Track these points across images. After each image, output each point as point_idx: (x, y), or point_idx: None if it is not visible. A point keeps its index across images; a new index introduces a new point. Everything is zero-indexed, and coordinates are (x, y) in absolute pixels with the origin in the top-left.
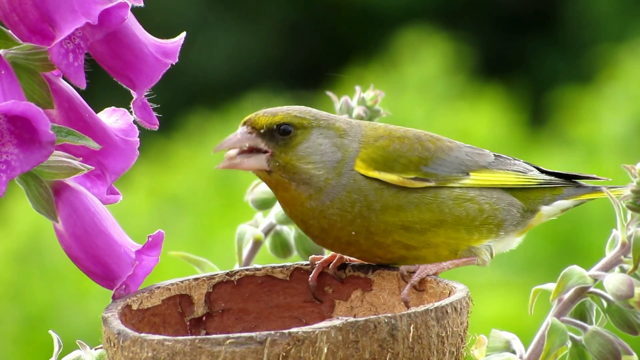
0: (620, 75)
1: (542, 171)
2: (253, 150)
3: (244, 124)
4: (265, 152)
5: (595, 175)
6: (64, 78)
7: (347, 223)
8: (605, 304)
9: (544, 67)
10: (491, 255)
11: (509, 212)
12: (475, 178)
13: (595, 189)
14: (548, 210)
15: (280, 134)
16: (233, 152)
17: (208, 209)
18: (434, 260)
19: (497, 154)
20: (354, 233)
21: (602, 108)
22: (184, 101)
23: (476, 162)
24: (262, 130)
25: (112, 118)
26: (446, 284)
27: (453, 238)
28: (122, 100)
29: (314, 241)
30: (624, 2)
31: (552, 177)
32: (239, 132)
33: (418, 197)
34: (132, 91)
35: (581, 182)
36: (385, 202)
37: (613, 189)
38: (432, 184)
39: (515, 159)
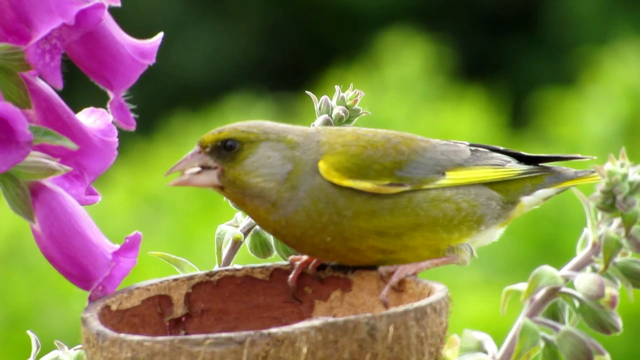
0: (602, 77)
1: (521, 158)
2: (204, 168)
3: (197, 144)
4: (216, 168)
5: (579, 155)
6: (41, 78)
7: (318, 231)
8: (577, 303)
9: (525, 68)
10: (471, 254)
11: (489, 207)
12: (452, 177)
13: (577, 175)
14: (529, 200)
15: (226, 150)
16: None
17: (188, 209)
18: (415, 261)
19: (474, 147)
20: (329, 239)
21: (584, 110)
22: (165, 102)
23: (452, 160)
24: (208, 149)
25: (90, 118)
26: (425, 285)
27: (432, 239)
28: (101, 100)
29: (295, 249)
30: (605, 4)
31: (531, 166)
32: (190, 153)
33: (392, 202)
34: (109, 92)
35: (560, 167)
36: (356, 208)
37: (593, 175)
38: (407, 188)
39: (492, 151)
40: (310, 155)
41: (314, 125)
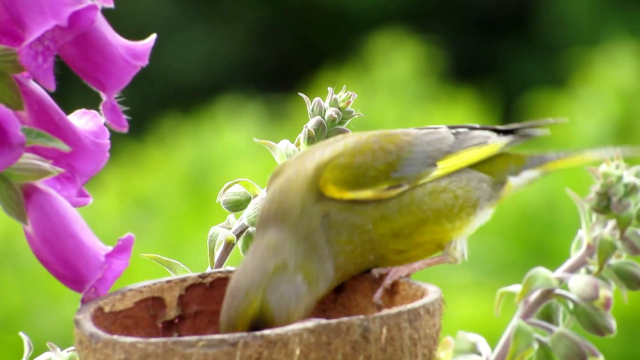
0: (594, 78)
1: (499, 131)
2: None
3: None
4: None
5: (551, 119)
6: (33, 80)
7: (358, 256)
8: (571, 305)
9: (516, 70)
10: (462, 253)
11: (481, 189)
12: (443, 166)
13: (559, 157)
14: (516, 181)
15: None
16: None
17: (180, 211)
18: (423, 256)
19: (454, 129)
20: (372, 258)
21: (576, 111)
22: (156, 104)
23: (440, 149)
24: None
25: (82, 120)
26: (419, 286)
27: (438, 232)
28: (94, 102)
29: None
30: (597, 5)
31: (511, 136)
32: None
33: (396, 203)
34: (101, 93)
35: (550, 153)
36: (371, 217)
37: (584, 154)
38: (405, 187)
39: (472, 130)
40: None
41: (306, 127)
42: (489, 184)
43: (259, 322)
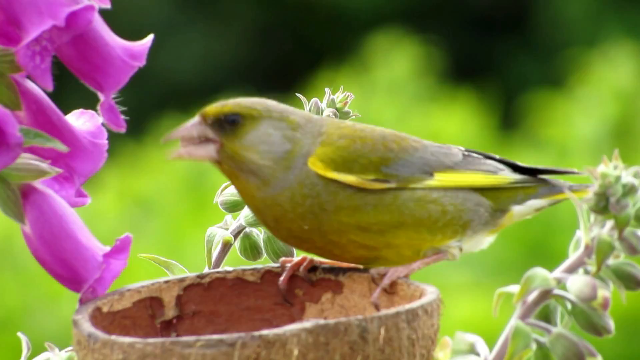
0: (592, 79)
1: (516, 167)
2: (203, 140)
3: (198, 114)
4: (215, 141)
5: (575, 170)
6: (31, 80)
7: (297, 216)
8: (569, 306)
9: (515, 70)
10: (460, 249)
11: (476, 213)
12: (440, 179)
13: (572, 188)
14: (520, 210)
15: (228, 124)
16: (184, 142)
17: (178, 211)
18: (396, 259)
19: (467, 152)
20: (306, 227)
21: (574, 111)
22: (155, 104)
23: (441, 162)
24: (210, 120)
25: (80, 120)
26: (417, 286)
27: (414, 239)
28: (92, 102)
29: (270, 232)
30: (594, 6)
31: (525, 176)
32: (190, 123)
33: (376, 198)
34: (99, 94)
35: (554, 179)
36: (339, 203)
37: (587, 189)
38: (392, 185)
39: (486, 158)
40: (309, 139)
41: None
42: (487, 209)
43: (230, 116)
